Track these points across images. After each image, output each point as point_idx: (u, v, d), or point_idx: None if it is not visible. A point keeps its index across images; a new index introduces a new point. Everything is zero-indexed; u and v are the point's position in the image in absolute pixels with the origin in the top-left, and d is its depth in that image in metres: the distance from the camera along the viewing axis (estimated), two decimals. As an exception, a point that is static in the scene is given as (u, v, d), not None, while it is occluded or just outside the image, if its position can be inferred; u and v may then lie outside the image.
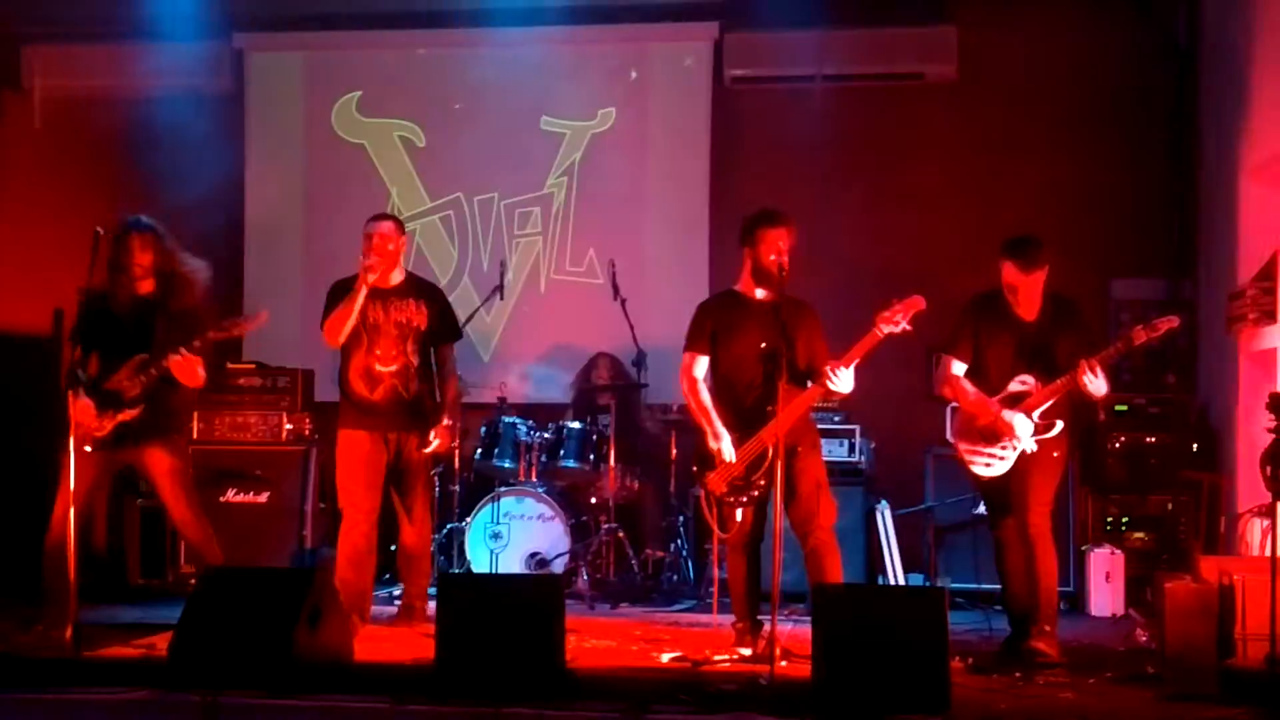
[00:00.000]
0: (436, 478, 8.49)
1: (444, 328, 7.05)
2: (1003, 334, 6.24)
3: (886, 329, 6.02)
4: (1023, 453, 6.13)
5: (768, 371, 6.00)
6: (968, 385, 6.31)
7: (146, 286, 6.53)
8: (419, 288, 7.03)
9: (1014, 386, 6.14)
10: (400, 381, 6.81)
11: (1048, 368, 6.10)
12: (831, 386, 6.10)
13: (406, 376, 6.83)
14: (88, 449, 6.27)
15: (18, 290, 8.75)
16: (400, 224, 7.05)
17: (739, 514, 6.26)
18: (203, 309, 6.59)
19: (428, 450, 6.91)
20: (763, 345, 6.10)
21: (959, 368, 6.35)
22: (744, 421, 6.21)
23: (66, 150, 9.75)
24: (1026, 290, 6.18)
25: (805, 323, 6.34)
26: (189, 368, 6.35)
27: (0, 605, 6.93)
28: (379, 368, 6.80)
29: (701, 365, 6.44)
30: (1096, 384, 5.95)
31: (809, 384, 6.23)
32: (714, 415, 6.32)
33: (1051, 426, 6.08)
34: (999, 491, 6.28)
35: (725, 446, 6.25)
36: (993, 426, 6.15)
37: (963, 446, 6.32)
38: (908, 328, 6.04)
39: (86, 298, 6.40)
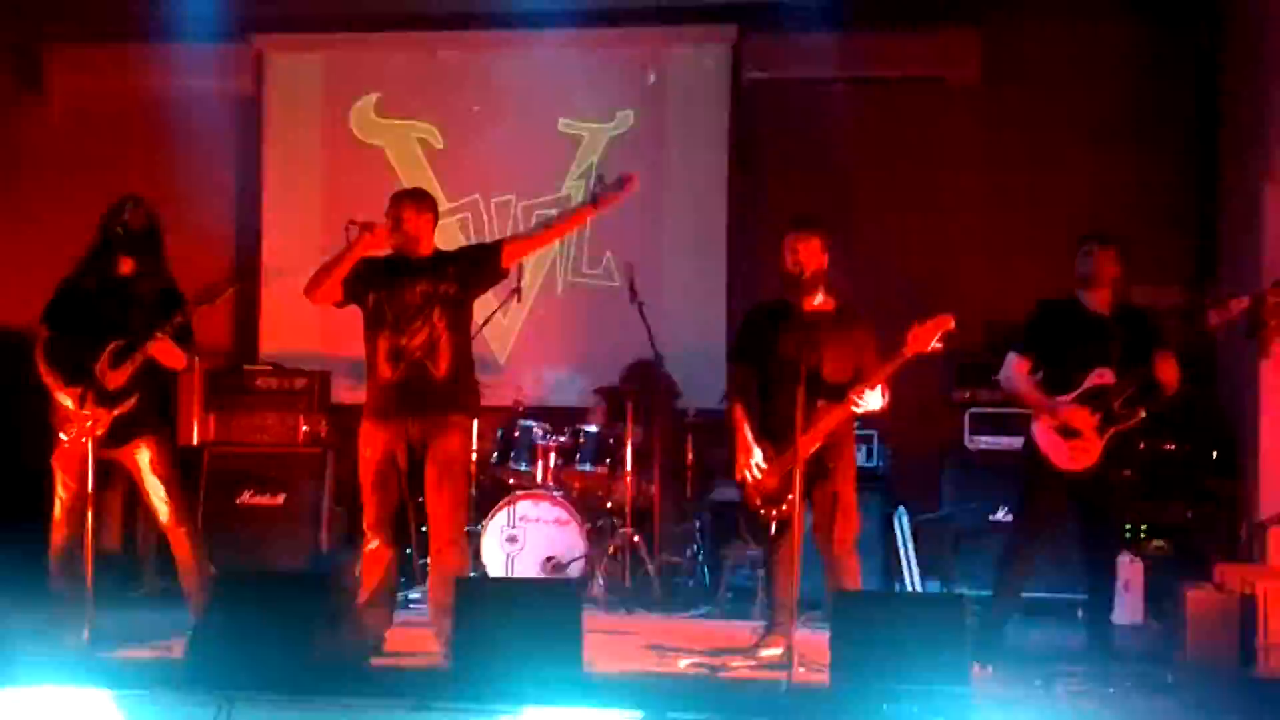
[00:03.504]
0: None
1: (478, 255, 6.45)
2: (1076, 333, 6.29)
3: (915, 350, 6.01)
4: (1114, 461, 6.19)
5: (801, 385, 5.86)
6: (1030, 383, 6.38)
7: (126, 268, 6.47)
8: (447, 256, 6.43)
9: (1092, 380, 6.17)
10: (426, 356, 6.17)
11: (1125, 361, 6.14)
12: (856, 410, 6.10)
13: (435, 350, 6.17)
14: (78, 441, 6.25)
15: (34, 289, 8.75)
16: (421, 201, 6.41)
17: (772, 526, 6.24)
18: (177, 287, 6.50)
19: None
20: (799, 359, 5.93)
21: (1024, 366, 6.41)
22: (781, 433, 6.12)
23: (85, 150, 9.77)
24: (1098, 269, 6.28)
25: (854, 336, 6.29)
26: (169, 350, 6.30)
27: (12, 606, 6.92)
28: (403, 342, 6.17)
29: (746, 375, 6.43)
30: (1166, 370, 6.10)
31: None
32: (747, 429, 6.32)
33: (1134, 416, 6.14)
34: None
35: (756, 460, 6.25)
36: (1066, 421, 6.19)
37: (1045, 443, 6.29)
38: (938, 347, 6.02)
39: (63, 282, 6.47)
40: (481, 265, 6.40)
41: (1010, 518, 6.74)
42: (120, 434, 6.40)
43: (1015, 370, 6.44)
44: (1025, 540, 6.37)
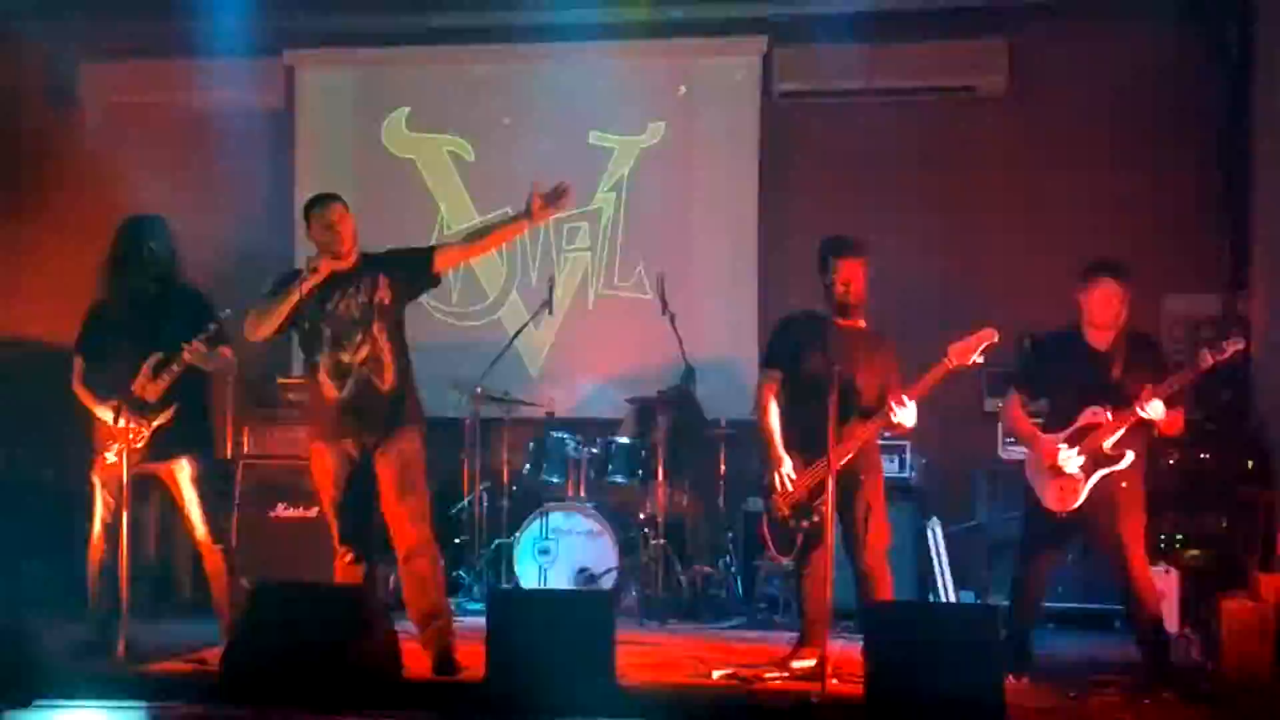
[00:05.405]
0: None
1: (409, 263, 6.19)
2: (1074, 368, 6.21)
3: (957, 363, 6.00)
4: (1104, 500, 6.06)
5: (835, 398, 5.84)
6: (1027, 421, 6.33)
7: (148, 283, 6.50)
8: (374, 262, 6.17)
9: (1084, 419, 6.06)
10: (372, 370, 6.02)
11: (1120, 400, 6.01)
12: (894, 419, 6.10)
13: (379, 365, 6.02)
14: (115, 458, 6.28)
15: (66, 304, 8.84)
16: (343, 202, 6.17)
17: (799, 538, 6.24)
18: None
19: None
20: (833, 371, 5.92)
21: (1017, 400, 6.39)
22: (810, 445, 6.14)
23: (119, 166, 9.81)
24: (1105, 304, 6.12)
25: (880, 354, 6.35)
26: (205, 358, 6.32)
27: (45, 621, 6.97)
28: (346, 359, 6.01)
29: (778, 381, 6.43)
30: (1154, 408, 5.88)
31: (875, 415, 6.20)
32: (777, 438, 6.33)
33: (1121, 458, 6.01)
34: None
35: (786, 470, 6.25)
36: (1049, 460, 6.11)
37: (1035, 481, 6.24)
38: (979, 361, 6.01)
39: (89, 309, 6.51)
40: (413, 273, 6.20)
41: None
42: (162, 448, 6.44)
43: (1007, 404, 6.45)
44: (1028, 564, 6.35)
